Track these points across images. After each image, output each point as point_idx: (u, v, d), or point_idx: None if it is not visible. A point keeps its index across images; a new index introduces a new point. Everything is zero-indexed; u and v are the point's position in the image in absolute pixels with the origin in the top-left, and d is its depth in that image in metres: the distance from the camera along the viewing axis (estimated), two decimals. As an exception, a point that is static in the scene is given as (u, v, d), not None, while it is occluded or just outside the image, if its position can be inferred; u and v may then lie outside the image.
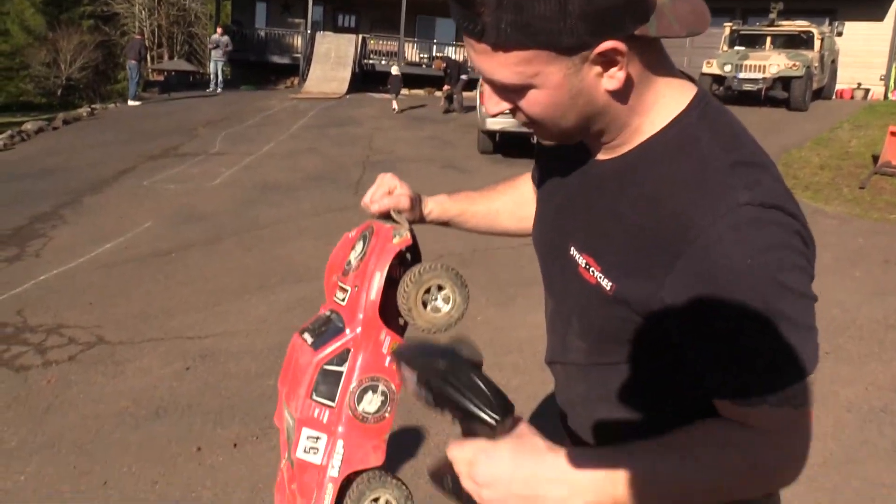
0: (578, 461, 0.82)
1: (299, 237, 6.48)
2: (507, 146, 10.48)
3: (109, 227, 7.02)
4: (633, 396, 0.99)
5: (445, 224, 1.32)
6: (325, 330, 1.11)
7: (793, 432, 0.86)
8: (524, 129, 1.36)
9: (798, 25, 14.98)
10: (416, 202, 1.21)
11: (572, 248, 0.97)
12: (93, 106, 17.60)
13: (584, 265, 0.94)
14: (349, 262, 1.14)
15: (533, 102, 0.86)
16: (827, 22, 16.34)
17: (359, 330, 1.06)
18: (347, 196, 8.15)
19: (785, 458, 0.87)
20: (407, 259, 1.18)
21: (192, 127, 13.26)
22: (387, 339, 1.07)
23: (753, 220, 0.80)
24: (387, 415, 1.08)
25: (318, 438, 1.07)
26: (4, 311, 4.90)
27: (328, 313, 1.15)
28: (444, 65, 17.99)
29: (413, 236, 1.15)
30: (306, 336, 1.13)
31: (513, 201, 1.33)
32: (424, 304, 1.07)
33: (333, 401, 1.06)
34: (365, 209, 1.20)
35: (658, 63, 0.88)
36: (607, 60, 0.81)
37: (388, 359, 1.06)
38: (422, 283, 1.05)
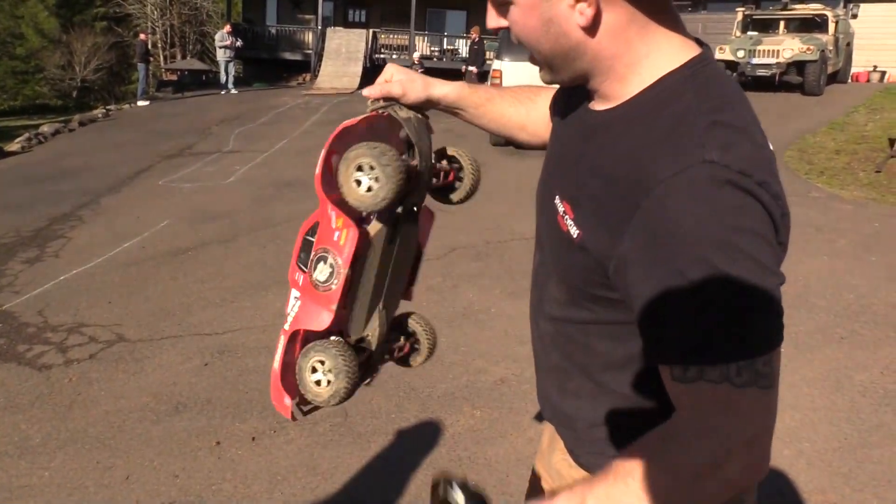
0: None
1: (314, 233, 6.51)
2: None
3: (127, 227, 7.10)
4: (602, 364, 0.99)
5: (457, 112, 1.31)
6: None
7: (734, 415, 0.79)
8: None
9: (812, 8, 14.81)
10: (411, 87, 1.20)
11: (556, 197, 0.98)
12: (108, 107, 17.80)
13: (561, 212, 0.96)
14: None
15: (513, 21, 0.89)
16: (841, 4, 16.16)
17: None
18: (361, 191, 8.18)
19: (725, 448, 0.80)
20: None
21: (206, 126, 13.35)
22: (332, 214, 1.10)
23: (713, 178, 0.77)
24: (333, 286, 1.11)
25: (298, 299, 1.16)
26: (26, 312, 4.99)
27: None
28: (477, 36, 17.23)
29: (411, 123, 1.18)
30: None
31: (526, 115, 1.33)
32: (360, 183, 1.07)
33: (307, 267, 1.14)
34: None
35: (659, 16, 0.86)
36: None
37: (336, 234, 1.10)
38: (348, 160, 1.06)
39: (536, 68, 0.97)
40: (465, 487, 0.96)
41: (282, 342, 1.17)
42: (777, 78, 13.77)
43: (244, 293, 5.19)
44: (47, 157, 11.59)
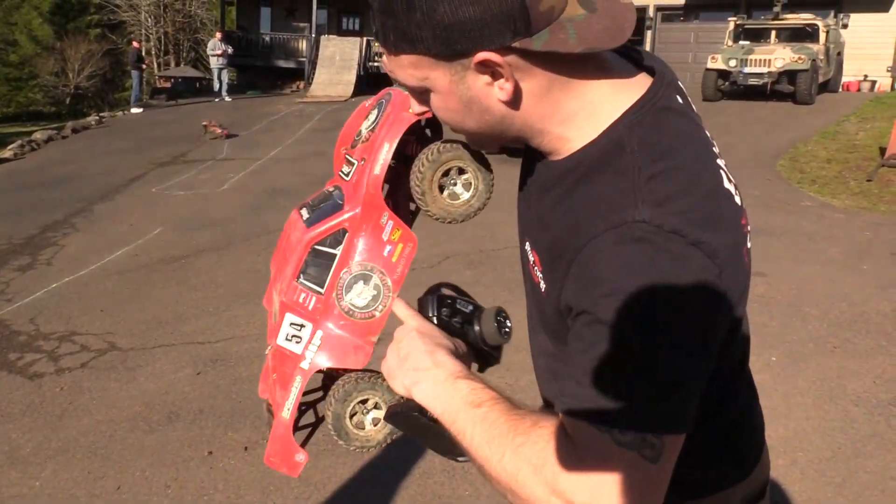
0: (447, 370, 0.87)
1: (307, 241, 6.50)
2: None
3: (120, 235, 7.08)
4: None
5: None
6: (324, 206, 0.98)
7: (604, 467, 0.74)
8: None
9: (803, 18, 14.94)
10: None
11: (528, 243, 0.98)
12: (101, 114, 17.77)
13: (532, 262, 0.95)
14: (360, 133, 1.00)
15: (435, 106, 0.87)
16: (832, 14, 16.27)
17: (358, 209, 0.93)
18: (354, 199, 8.19)
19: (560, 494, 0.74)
20: (427, 137, 1.05)
21: (200, 133, 13.33)
22: (388, 224, 0.93)
23: (639, 241, 0.75)
24: (377, 313, 0.93)
25: (301, 326, 0.95)
26: (17, 320, 4.96)
27: (332, 189, 1.01)
28: None
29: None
30: (304, 211, 1.01)
31: None
32: (441, 189, 0.93)
33: (322, 287, 0.94)
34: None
35: (581, 69, 0.83)
36: (491, 71, 0.79)
37: (387, 248, 0.92)
38: (440, 162, 0.91)
39: None
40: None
41: (297, 384, 0.95)
42: (769, 87, 13.84)
43: (237, 301, 5.17)
44: (40, 164, 11.55)
